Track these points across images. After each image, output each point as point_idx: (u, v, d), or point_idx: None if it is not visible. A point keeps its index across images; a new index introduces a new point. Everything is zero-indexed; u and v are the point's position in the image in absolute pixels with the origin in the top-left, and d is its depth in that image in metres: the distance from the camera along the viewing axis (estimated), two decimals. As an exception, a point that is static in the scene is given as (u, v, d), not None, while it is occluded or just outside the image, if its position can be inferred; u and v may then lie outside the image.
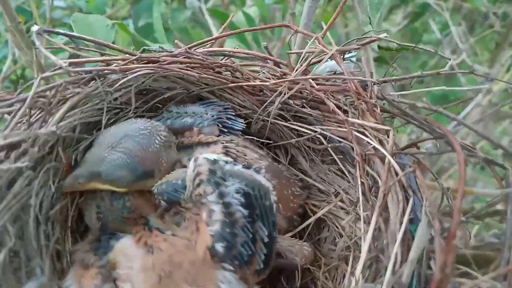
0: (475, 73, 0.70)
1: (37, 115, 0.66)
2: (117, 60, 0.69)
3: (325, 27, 0.79)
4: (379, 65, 0.85)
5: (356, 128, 0.65)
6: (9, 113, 0.67)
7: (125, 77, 0.67)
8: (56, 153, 0.63)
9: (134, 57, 0.68)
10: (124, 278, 0.56)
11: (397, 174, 0.58)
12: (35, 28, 0.68)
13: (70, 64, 0.65)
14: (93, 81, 0.68)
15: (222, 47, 0.84)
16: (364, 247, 0.56)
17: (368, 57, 0.89)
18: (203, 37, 1.33)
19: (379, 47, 0.76)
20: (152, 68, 0.68)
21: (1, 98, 0.65)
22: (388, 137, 0.63)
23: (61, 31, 0.69)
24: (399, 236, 0.53)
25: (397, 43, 0.78)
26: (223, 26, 0.84)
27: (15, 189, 0.57)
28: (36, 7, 1.66)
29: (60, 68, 0.65)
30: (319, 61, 0.78)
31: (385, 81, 0.71)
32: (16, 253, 0.56)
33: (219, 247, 0.56)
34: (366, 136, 0.63)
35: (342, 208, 0.71)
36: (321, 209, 0.74)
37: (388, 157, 0.57)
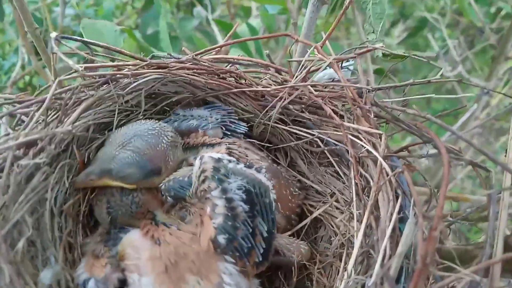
0: (465, 82, 0.75)
1: (53, 116, 0.71)
2: (129, 65, 0.73)
3: (324, 37, 0.84)
4: (378, 77, 0.90)
5: (351, 132, 0.69)
6: (26, 114, 0.72)
7: (136, 81, 0.72)
8: (71, 151, 0.68)
9: (145, 63, 0.73)
10: (132, 269, 0.60)
11: (388, 175, 0.62)
12: (53, 34, 0.73)
13: (86, 68, 0.70)
14: (106, 85, 0.72)
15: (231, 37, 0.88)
16: (356, 243, 0.60)
17: (368, 66, 0.93)
18: (207, 46, 1.39)
19: (383, 55, 0.81)
20: (162, 74, 0.73)
21: (20, 99, 0.70)
22: (381, 141, 0.67)
23: (78, 37, 0.74)
24: (388, 232, 0.57)
25: (392, 53, 0.82)
26: (227, 36, 0.89)
27: (33, 183, 0.62)
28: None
29: (76, 72, 0.70)
30: (318, 69, 0.82)
31: (379, 88, 0.75)
32: (33, 243, 0.60)
33: (221, 238, 0.61)
34: (360, 140, 0.68)
35: (337, 208, 0.75)
36: (318, 209, 0.78)
37: (380, 159, 0.61)
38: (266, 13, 1.29)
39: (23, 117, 0.73)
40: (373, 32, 0.79)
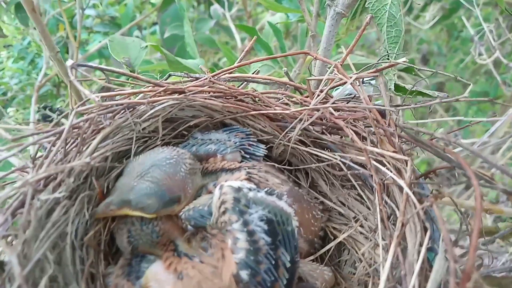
0: (495, 101, 0.70)
1: (72, 143, 0.71)
2: (146, 91, 0.72)
3: (345, 52, 0.81)
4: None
5: (374, 157, 0.67)
6: (47, 142, 0.72)
7: (153, 108, 0.71)
8: (90, 182, 0.68)
9: (162, 89, 0.72)
10: (155, 303, 0.60)
11: (414, 204, 0.60)
12: (69, 62, 0.73)
13: (102, 97, 0.69)
14: (123, 112, 0.72)
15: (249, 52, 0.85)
16: (383, 276, 0.58)
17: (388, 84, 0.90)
18: (228, 49, 1.36)
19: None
20: (178, 99, 0.72)
21: (40, 130, 0.70)
22: (406, 166, 0.64)
23: (94, 64, 0.73)
24: (417, 267, 0.54)
25: (417, 68, 0.79)
26: (243, 52, 0.86)
27: (53, 218, 0.62)
28: (69, 17, 1.75)
29: (91, 100, 0.70)
30: (338, 85, 0.80)
31: (403, 108, 0.72)
32: (55, 279, 0.60)
33: (244, 274, 0.59)
34: (384, 165, 0.65)
35: (361, 233, 0.73)
36: (342, 233, 0.76)
37: (406, 189, 0.59)
38: (287, 22, 1.27)
39: (45, 145, 0.73)
40: (387, 57, 0.75)
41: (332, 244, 0.75)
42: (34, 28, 1.86)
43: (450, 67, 2.65)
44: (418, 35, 2.82)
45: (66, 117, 0.76)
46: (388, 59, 0.75)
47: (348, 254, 0.76)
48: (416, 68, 0.78)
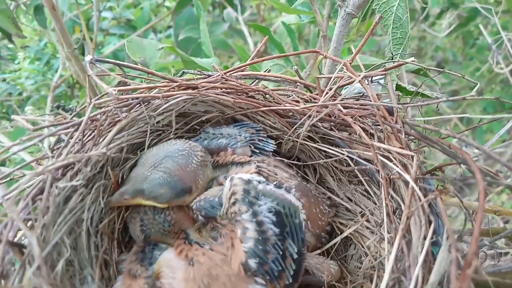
0: (502, 100, 0.72)
1: (89, 136, 0.73)
2: (160, 86, 0.75)
3: (354, 51, 0.83)
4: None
5: (381, 152, 0.68)
6: (65, 134, 0.75)
7: (167, 102, 0.73)
8: (106, 171, 0.71)
9: (176, 84, 0.74)
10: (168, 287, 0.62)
11: (420, 198, 0.61)
12: (88, 58, 0.76)
13: (119, 91, 0.72)
14: (139, 105, 0.74)
15: (261, 55, 0.88)
16: (387, 268, 0.59)
17: (402, 79, 0.91)
18: (242, 48, 1.39)
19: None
20: (191, 94, 0.74)
21: (59, 122, 0.73)
22: (413, 161, 0.66)
23: (111, 60, 0.76)
24: (421, 259, 0.56)
25: (424, 68, 0.80)
26: (256, 49, 0.89)
27: (71, 204, 0.65)
28: (85, 19, 1.79)
29: (109, 94, 0.72)
30: (347, 84, 0.81)
31: (410, 106, 0.74)
32: (71, 262, 0.63)
33: (252, 263, 0.61)
34: (391, 161, 0.66)
35: (367, 228, 0.74)
36: (348, 228, 0.77)
37: (411, 183, 0.60)
38: (299, 23, 1.29)
39: (63, 136, 0.76)
40: (392, 58, 0.76)
41: (338, 238, 0.77)
42: (52, 30, 1.92)
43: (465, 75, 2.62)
44: (433, 42, 2.81)
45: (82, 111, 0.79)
46: (392, 59, 0.76)
47: (355, 249, 0.77)
48: (424, 68, 0.80)
